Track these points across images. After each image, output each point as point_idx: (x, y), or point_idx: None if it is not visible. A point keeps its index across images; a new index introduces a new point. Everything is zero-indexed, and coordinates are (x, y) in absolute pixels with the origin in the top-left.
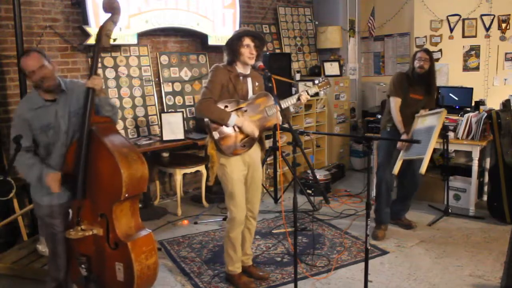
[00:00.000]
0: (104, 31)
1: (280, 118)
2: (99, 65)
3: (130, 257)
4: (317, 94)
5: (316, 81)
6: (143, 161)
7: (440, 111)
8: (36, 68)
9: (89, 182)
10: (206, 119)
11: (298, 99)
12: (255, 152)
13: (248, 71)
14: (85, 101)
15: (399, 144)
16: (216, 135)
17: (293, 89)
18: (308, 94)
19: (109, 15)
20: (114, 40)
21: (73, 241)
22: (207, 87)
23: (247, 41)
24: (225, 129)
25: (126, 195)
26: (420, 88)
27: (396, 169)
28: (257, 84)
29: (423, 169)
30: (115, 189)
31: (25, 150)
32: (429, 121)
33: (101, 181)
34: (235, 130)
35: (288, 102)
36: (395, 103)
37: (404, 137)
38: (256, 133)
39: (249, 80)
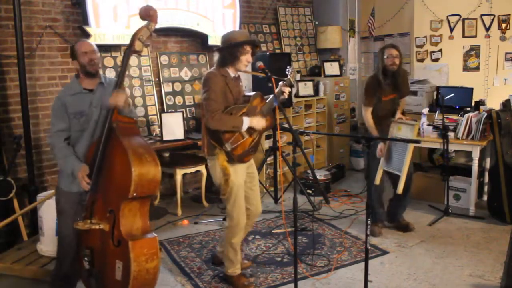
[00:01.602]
0: (137, 36)
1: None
2: (100, 65)
3: (129, 257)
4: (291, 86)
5: (287, 72)
6: (158, 164)
7: (413, 123)
8: (89, 50)
9: (103, 177)
10: (213, 131)
11: (282, 93)
12: None
13: (237, 73)
14: (104, 118)
15: (378, 152)
16: (229, 146)
17: (280, 84)
18: (286, 86)
19: (145, 22)
20: (147, 45)
21: (82, 233)
22: (211, 98)
23: (248, 48)
24: (235, 138)
25: (134, 194)
26: (390, 87)
27: (377, 179)
28: (241, 83)
29: (399, 189)
30: (124, 186)
31: (61, 136)
32: (403, 131)
33: (113, 177)
34: (243, 137)
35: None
36: (366, 111)
37: (379, 146)
38: (265, 125)
39: (238, 81)
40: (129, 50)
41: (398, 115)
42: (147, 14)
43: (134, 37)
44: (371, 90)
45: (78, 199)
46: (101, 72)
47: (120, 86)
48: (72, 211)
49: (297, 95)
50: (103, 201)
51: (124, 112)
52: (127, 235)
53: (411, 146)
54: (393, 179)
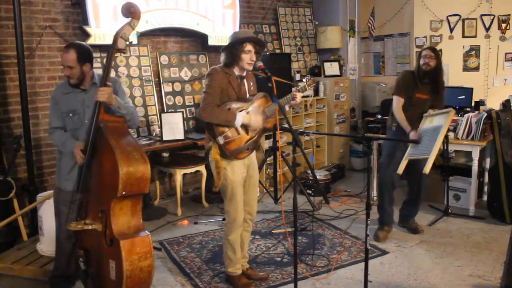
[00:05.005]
0: (120, 34)
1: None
2: (99, 65)
3: (121, 256)
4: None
5: (304, 80)
6: (146, 162)
7: (448, 111)
8: (66, 65)
9: (94, 176)
10: (207, 123)
11: (293, 98)
12: (253, 153)
13: (244, 72)
14: (92, 112)
15: (412, 135)
16: (221, 140)
17: (293, 89)
18: (300, 92)
19: (128, 20)
20: (130, 43)
21: (79, 234)
22: (207, 91)
23: (249, 47)
24: (230, 133)
25: (123, 193)
26: (426, 87)
27: (400, 169)
28: (251, 84)
29: (427, 168)
30: (113, 185)
31: (58, 132)
32: (436, 121)
33: (103, 176)
34: (239, 133)
35: (284, 102)
36: (397, 102)
37: (412, 134)
38: (262, 125)
39: (244, 81)
40: (112, 48)
41: (430, 110)
42: (129, 11)
43: (116, 36)
44: (403, 81)
45: (70, 198)
46: (96, 71)
47: (105, 83)
48: (67, 210)
49: None
50: (95, 201)
51: (112, 109)
52: (119, 234)
53: (444, 129)
54: (411, 179)
